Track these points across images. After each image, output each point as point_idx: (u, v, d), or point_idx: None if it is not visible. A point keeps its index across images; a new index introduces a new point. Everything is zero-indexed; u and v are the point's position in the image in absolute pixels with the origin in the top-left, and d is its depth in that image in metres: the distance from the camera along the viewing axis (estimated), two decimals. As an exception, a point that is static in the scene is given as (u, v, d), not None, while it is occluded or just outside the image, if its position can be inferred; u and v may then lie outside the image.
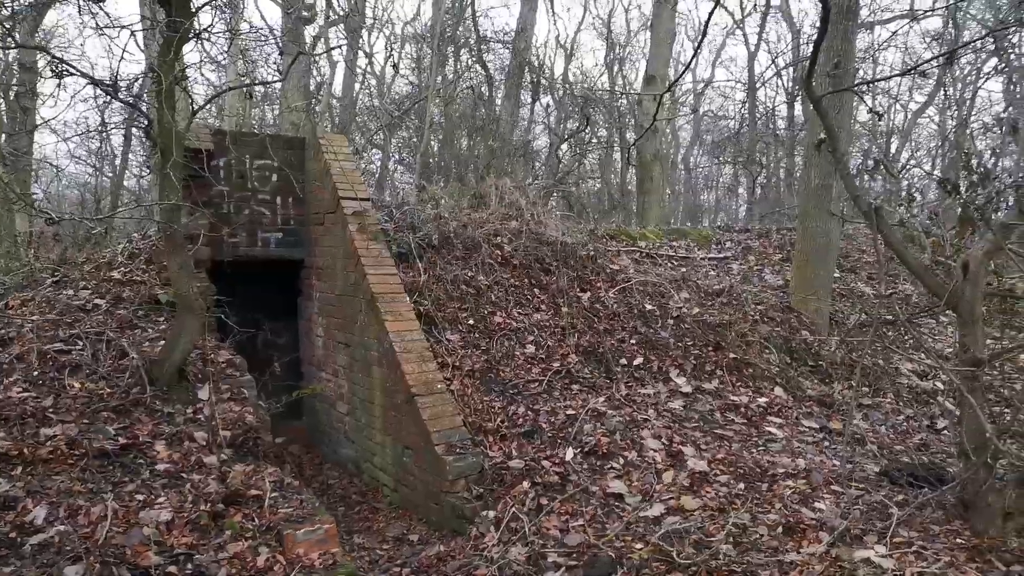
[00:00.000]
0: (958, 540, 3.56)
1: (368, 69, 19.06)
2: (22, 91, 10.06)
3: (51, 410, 3.61)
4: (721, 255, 8.48)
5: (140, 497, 3.26)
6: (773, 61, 23.36)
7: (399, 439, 4.58)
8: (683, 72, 8.37)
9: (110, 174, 12.86)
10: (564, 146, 16.05)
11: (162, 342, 4.29)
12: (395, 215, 6.06)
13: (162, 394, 4.03)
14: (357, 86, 18.47)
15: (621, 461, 4.41)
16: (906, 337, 6.35)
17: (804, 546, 3.59)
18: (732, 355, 5.92)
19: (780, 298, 7.07)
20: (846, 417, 5.45)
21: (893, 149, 16.62)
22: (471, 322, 5.36)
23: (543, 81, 15.06)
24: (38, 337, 4.20)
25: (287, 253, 5.79)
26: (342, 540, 4.16)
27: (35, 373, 3.96)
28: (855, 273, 8.18)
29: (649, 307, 6.25)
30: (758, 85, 17.94)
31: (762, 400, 5.47)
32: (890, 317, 5.36)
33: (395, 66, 15.45)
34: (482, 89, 14.83)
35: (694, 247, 8.53)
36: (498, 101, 15.38)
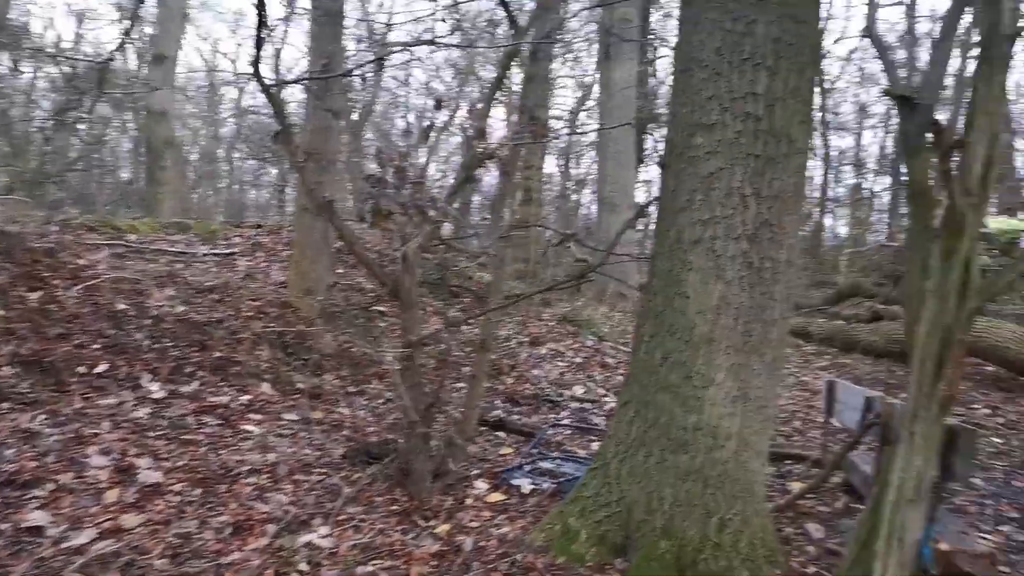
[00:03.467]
0: (394, 507, 3.90)
1: None
2: None
3: None
4: (228, 251, 8.12)
5: None
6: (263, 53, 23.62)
7: None
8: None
9: None
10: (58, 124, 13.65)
11: None
12: None
13: None
14: None
15: (51, 487, 3.74)
16: (368, 324, 6.92)
17: (250, 542, 3.52)
18: (218, 354, 5.63)
19: (280, 294, 7.05)
20: (330, 406, 5.66)
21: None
22: None
23: (22, 44, 12.53)
24: None
25: None
26: None
27: None
28: (358, 268, 8.65)
29: (122, 307, 5.55)
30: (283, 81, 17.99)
31: (245, 398, 5.32)
32: (343, 306, 5.73)
33: None
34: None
35: (197, 242, 7.99)
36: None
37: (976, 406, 7.34)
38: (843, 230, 24.79)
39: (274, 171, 23.78)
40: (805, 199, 3.21)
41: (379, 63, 3.70)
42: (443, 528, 3.61)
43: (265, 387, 5.63)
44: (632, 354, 3.41)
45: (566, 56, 18.83)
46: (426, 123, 3.56)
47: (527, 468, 4.51)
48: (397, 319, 7.63)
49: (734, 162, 3.00)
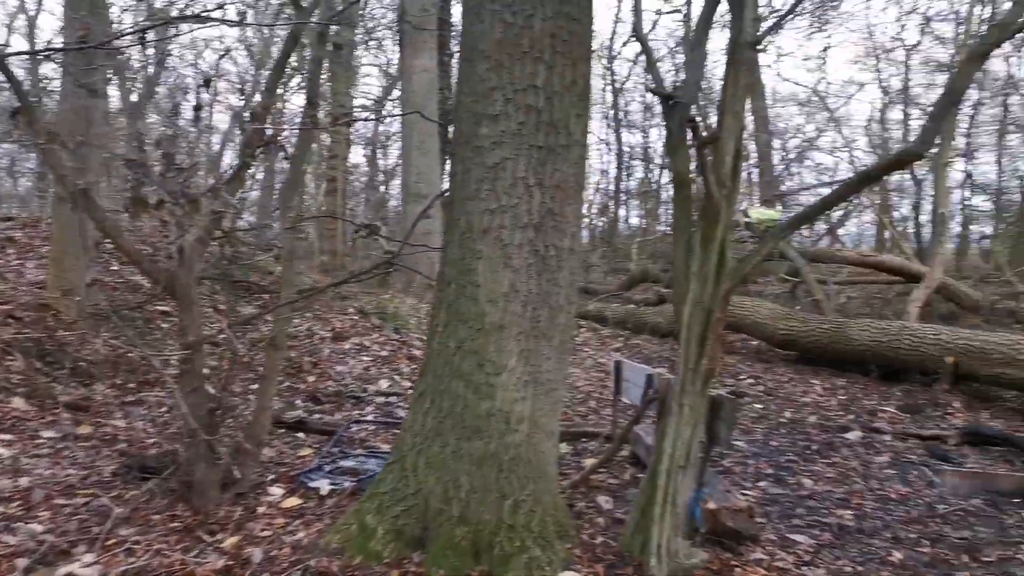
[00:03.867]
0: (175, 524, 3.56)
1: None
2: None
3: None
4: (-32, 247, 6.98)
5: None
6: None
7: None
8: None
9: None
10: None
11: None
12: None
13: None
14: None
15: None
16: (148, 326, 6.35)
17: (-7, 583, 3.05)
18: (-47, 367, 4.83)
19: (37, 295, 6.19)
20: (102, 419, 5.07)
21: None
22: None
23: None
24: None
25: None
26: None
27: None
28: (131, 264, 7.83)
29: None
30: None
31: (-10, 416, 4.61)
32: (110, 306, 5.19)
33: None
34: None
35: (-75, 237, 6.78)
36: None
37: (742, 376, 8.27)
38: (635, 220, 26.80)
39: (35, 157, 20.87)
40: (584, 189, 3.38)
41: (141, 36, 3.32)
42: (230, 541, 3.35)
43: (18, 402, 4.91)
44: (427, 344, 3.39)
45: (368, 43, 18.44)
46: (195, 103, 3.26)
47: (327, 468, 4.34)
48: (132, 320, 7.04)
49: (518, 152, 3.06)
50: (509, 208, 3.08)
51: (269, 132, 3.09)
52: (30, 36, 17.03)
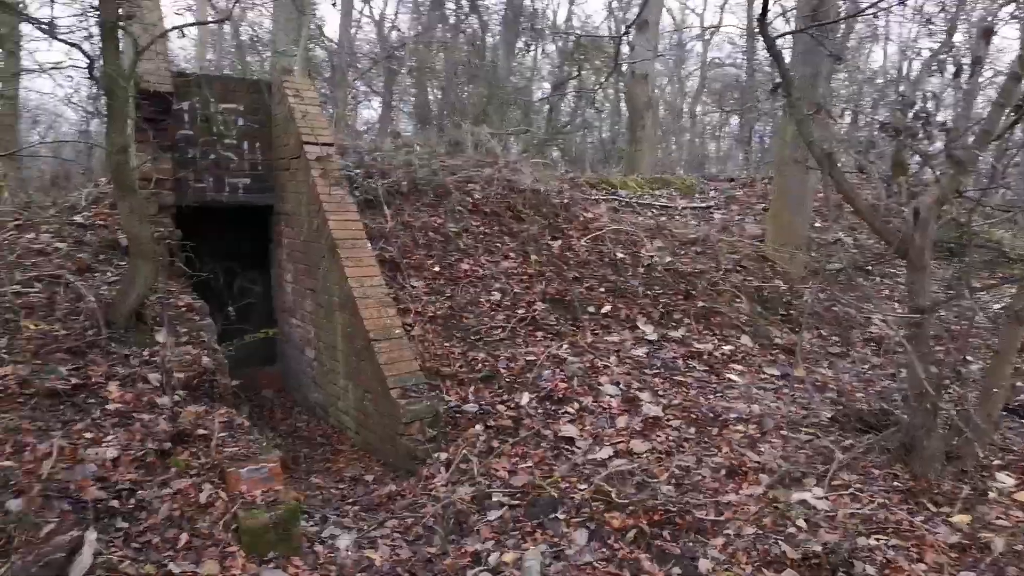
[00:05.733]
0: (895, 483, 3.62)
1: (366, 14, 18.69)
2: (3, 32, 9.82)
3: (4, 351, 3.67)
4: (704, 204, 8.42)
5: (89, 435, 3.32)
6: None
7: (359, 383, 4.65)
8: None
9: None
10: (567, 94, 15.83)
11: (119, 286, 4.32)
12: (366, 161, 6.03)
13: (119, 336, 4.07)
14: (354, 31, 18.18)
15: (576, 406, 4.46)
16: (864, 285, 6.34)
17: (744, 488, 3.66)
18: (701, 303, 5.93)
19: (756, 247, 7.04)
20: (811, 365, 5.49)
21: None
22: (437, 269, 5.37)
23: (537, 27, 14.71)
24: (-5, 280, 4.23)
25: (255, 199, 5.77)
26: (298, 480, 4.27)
27: (-10, 315, 3.99)
28: (836, 223, 8.11)
29: (620, 255, 6.23)
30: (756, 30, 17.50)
31: (727, 348, 5.50)
32: (859, 264, 5.33)
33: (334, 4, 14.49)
34: (475, 34, 14.53)
35: (676, 196, 8.47)
36: (496, 48, 15.16)
37: None
38: None
39: (735, 122, 23.56)
40: None
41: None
42: (960, 518, 3.21)
43: (745, 339, 5.73)
44: None
45: None
46: (966, 60, 3.06)
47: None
48: (886, 280, 6.99)
49: None
50: None
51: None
52: (748, 15, 19.00)
